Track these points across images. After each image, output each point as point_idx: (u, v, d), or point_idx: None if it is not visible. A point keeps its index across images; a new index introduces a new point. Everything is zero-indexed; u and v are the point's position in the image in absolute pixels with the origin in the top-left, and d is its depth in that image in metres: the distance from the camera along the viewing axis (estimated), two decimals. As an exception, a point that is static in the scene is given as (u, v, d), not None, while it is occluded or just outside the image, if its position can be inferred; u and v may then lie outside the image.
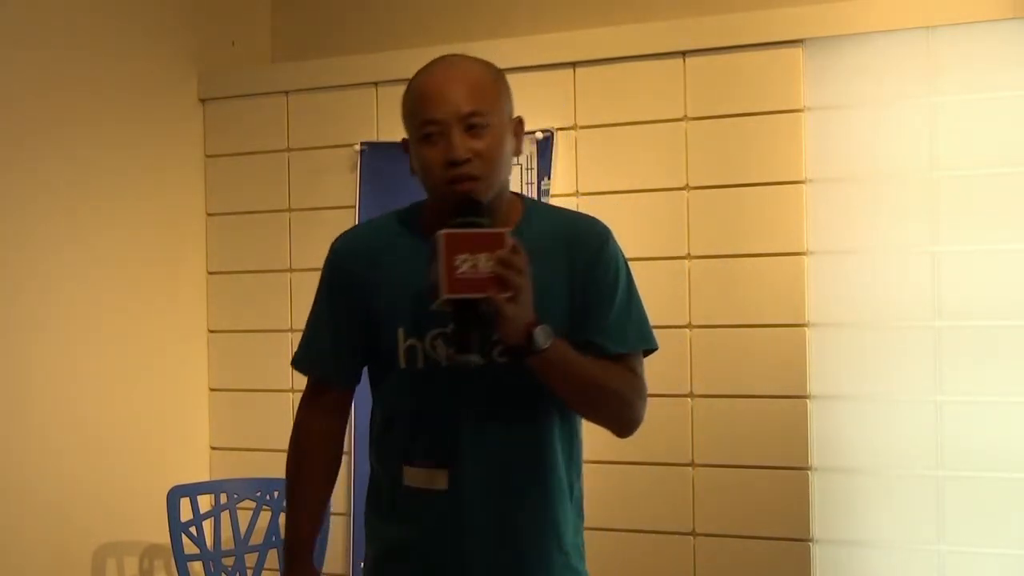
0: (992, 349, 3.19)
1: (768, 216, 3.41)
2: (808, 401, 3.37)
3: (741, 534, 3.41)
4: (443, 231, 1.94)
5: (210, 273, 4.18)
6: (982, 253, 3.22)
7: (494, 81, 2.11)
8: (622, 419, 2.14)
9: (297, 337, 4.18)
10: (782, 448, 3.37)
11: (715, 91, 3.47)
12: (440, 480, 2.09)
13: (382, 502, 2.20)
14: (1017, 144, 3.19)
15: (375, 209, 3.87)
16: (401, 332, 2.09)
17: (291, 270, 4.05)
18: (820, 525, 3.35)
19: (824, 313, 3.37)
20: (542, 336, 1.97)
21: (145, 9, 3.96)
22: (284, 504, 2.38)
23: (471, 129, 2.04)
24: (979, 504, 3.20)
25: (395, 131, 3.86)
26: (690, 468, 3.45)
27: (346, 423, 2.31)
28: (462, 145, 2.03)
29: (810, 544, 3.35)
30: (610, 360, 2.10)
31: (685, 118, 3.51)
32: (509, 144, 2.11)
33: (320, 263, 4.01)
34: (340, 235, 2.29)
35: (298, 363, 2.29)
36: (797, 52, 3.39)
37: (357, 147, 3.91)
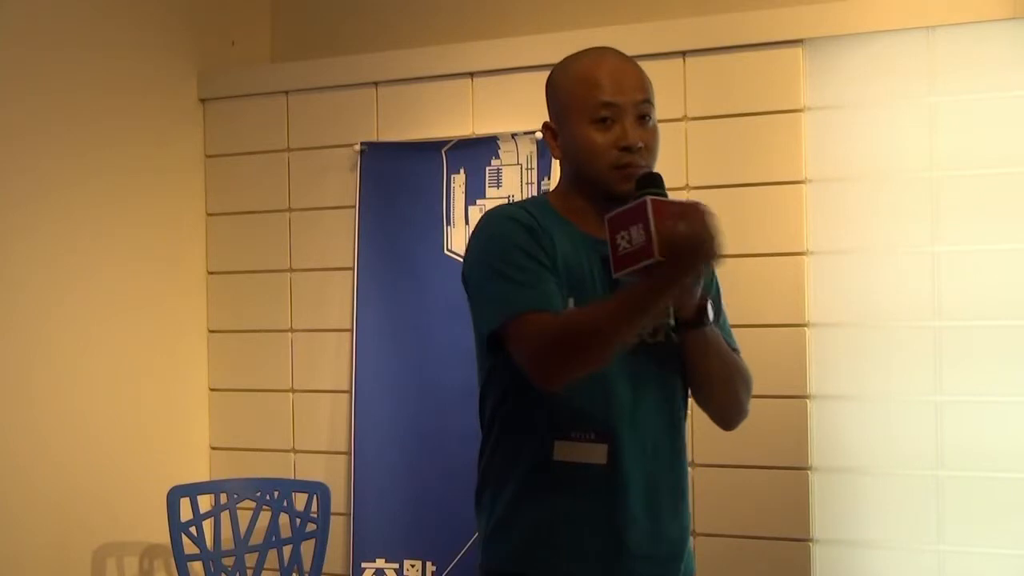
0: (992, 349, 3.19)
1: (768, 216, 3.41)
2: (808, 401, 3.37)
3: (741, 534, 3.41)
4: (649, 197, 1.95)
5: (210, 273, 4.18)
6: (982, 253, 3.22)
7: (649, 78, 2.15)
8: (743, 404, 2.21)
9: (297, 337, 4.14)
10: (782, 448, 3.37)
11: (715, 91, 3.47)
12: (599, 455, 2.07)
13: (519, 484, 2.10)
14: (1017, 144, 3.19)
15: (375, 209, 3.88)
16: (571, 302, 2.06)
17: (291, 270, 4.05)
18: (820, 525, 3.35)
19: (824, 313, 3.37)
20: (711, 310, 2.06)
21: (145, 9, 3.96)
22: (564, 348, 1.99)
23: (641, 119, 2.09)
24: (979, 504, 3.19)
25: (395, 131, 3.90)
26: (690, 468, 3.44)
27: None
28: (635, 132, 2.07)
29: (810, 544, 3.35)
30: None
31: (685, 118, 3.51)
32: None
33: (319, 263, 3.97)
34: (491, 210, 2.18)
35: (510, 309, 2.03)
36: (797, 52, 3.39)
37: (357, 147, 3.91)
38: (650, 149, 2.10)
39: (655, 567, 2.12)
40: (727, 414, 2.22)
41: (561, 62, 2.20)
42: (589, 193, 2.12)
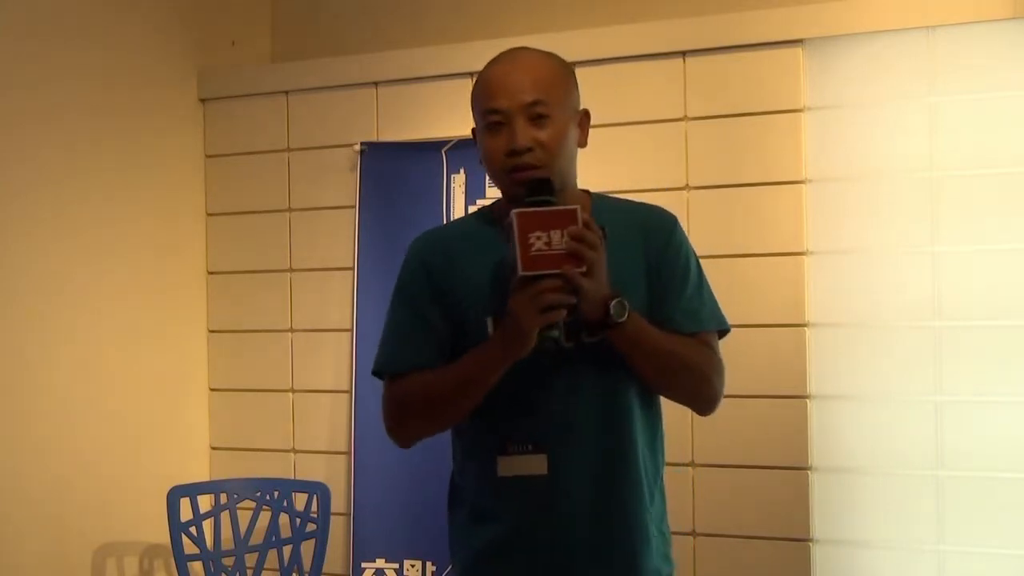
0: (992, 349, 3.19)
1: (768, 216, 3.41)
2: (808, 401, 3.37)
3: (741, 534, 3.41)
4: (515, 210, 1.97)
5: (210, 273, 4.18)
6: (982, 253, 3.22)
7: (560, 72, 2.15)
8: (702, 394, 2.17)
9: (297, 337, 4.15)
10: (782, 448, 3.37)
11: (715, 91, 3.47)
12: (539, 465, 2.08)
13: (472, 502, 2.17)
14: (1017, 144, 3.19)
15: (375, 209, 3.88)
16: (490, 321, 2.07)
17: (291, 270, 4.05)
18: (820, 525, 3.35)
19: (824, 313, 3.37)
20: (619, 308, 2.00)
21: (145, 8, 3.96)
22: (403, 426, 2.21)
23: (535, 119, 2.08)
24: (979, 504, 3.19)
25: (395, 131, 3.90)
26: (690, 468, 3.45)
27: None
28: (524, 134, 2.07)
29: (810, 544, 3.35)
30: (687, 337, 2.14)
31: (685, 118, 3.51)
32: (573, 135, 2.14)
33: (319, 263, 3.99)
34: (416, 237, 2.28)
35: (387, 364, 2.19)
36: (797, 52, 3.39)
37: (357, 147, 3.91)
38: (546, 147, 2.08)
39: (610, 570, 2.11)
40: (689, 404, 2.20)
41: None
42: (506, 195, 2.15)
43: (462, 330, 2.12)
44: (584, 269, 1.95)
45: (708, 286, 2.22)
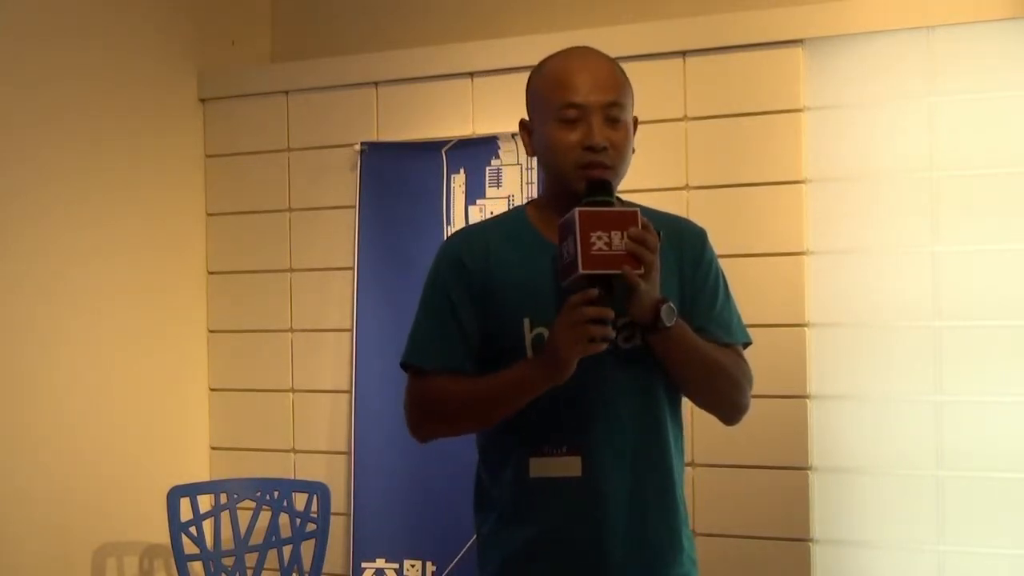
0: (992, 349, 3.19)
1: (768, 216, 3.41)
2: (808, 401, 3.37)
3: (741, 534, 3.41)
4: (579, 208, 1.97)
5: (210, 273, 4.18)
6: (982, 253, 3.22)
7: (626, 78, 2.17)
8: (733, 402, 2.19)
9: (297, 337, 4.15)
10: (782, 448, 3.37)
11: (715, 91, 3.47)
12: (574, 467, 2.07)
13: (504, 504, 2.14)
14: (1017, 144, 3.19)
15: (375, 209, 3.88)
16: (527, 322, 2.08)
17: (291, 270, 4.05)
18: (820, 525, 3.35)
19: (824, 313, 3.37)
20: (668, 313, 2.02)
21: (145, 8, 3.96)
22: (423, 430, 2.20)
23: (609, 120, 2.10)
24: (979, 504, 3.19)
25: (395, 131, 3.90)
26: (690, 468, 3.45)
27: None
28: (601, 132, 2.08)
29: (810, 544, 3.35)
30: (721, 347, 2.17)
31: (685, 118, 3.51)
32: (632, 141, 2.16)
33: (319, 263, 3.98)
34: (454, 233, 2.29)
35: (418, 358, 2.16)
36: (797, 52, 3.39)
37: (357, 147, 3.91)
38: (618, 149, 2.10)
39: (640, 571, 2.11)
40: (718, 413, 2.21)
41: (539, 62, 2.22)
42: (558, 193, 2.13)
43: (498, 330, 2.11)
44: (642, 271, 1.97)
45: (734, 299, 2.26)
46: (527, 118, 2.20)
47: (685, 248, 2.19)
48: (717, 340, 2.17)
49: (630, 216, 1.99)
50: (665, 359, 2.08)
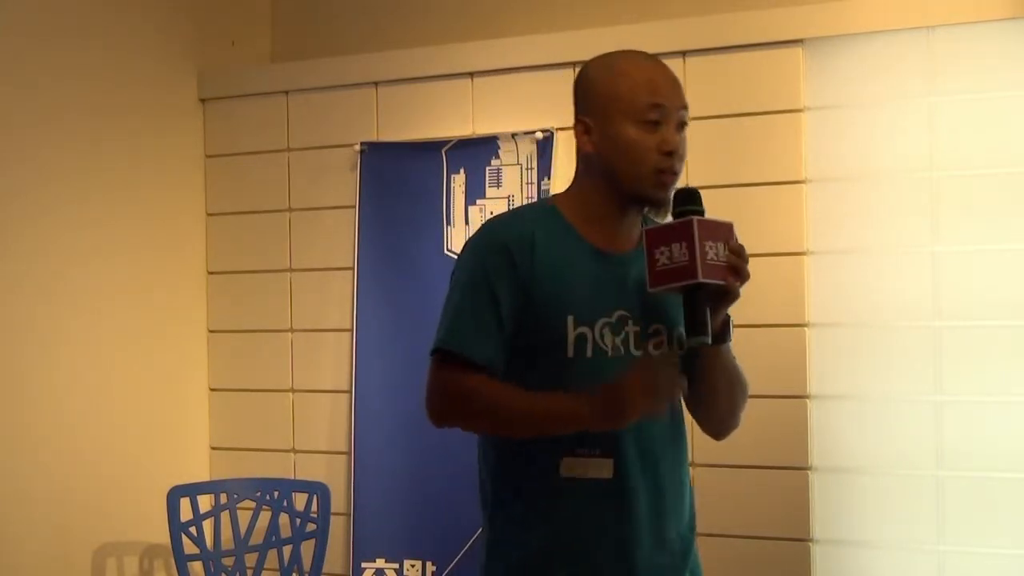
0: (992, 349, 3.19)
1: (768, 216, 3.41)
2: (808, 401, 3.37)
3: (741, 534, 3.41)
4: (696, 218, 1.99)
5: (210, 273, 4.18)
6: (982, 253, 3.22)
7: None
8: (739, 416, 2.23)
9: (297, 337, 4.14)
10: (782, 448, 3.36)
11: (715, 91, 3.47)
12: (606, 469, 2.07)
13: (522, 502, 2.12)
14: (1017, 144, 3.19)
15: (375, 209, 3.88)
16: (571, 320, 2.07)
17: (291, 270, 4.05)
18: (820, 525, 3.35)
19: (824, 313, 3.37)
20: (730, 325, 2.08)
21: (146, 8, 3.96)
22: (486, 420, 2.12)
23: (679, 126, 2.11)
24: (979, 504, 3.19)
25: (395, 131, 3.90)
26: (690, 468, 3.44)
27: None
28: (675, 138, 2.09)
29: (810, 544, 3.35)
30: None
31: (685, 118, 3.51)
32: None
33: (319, 263, 3.97)
34: (488, 221, 2.22)
35: (454, 344, 2.08)
36: (797, 52, 3.39)
37: (357, 147, 3.91)
38: (682, 158, 2.11)
39: (662, 571, 2.13)
40: (723, 426, 2.25)
41: (599, 59, 2.16)
42: (615, 195, 2.10)
43: (537, 325, 2.07)
44: (740, 283, 2.02)
45: None
46: (584, 117, 2.12)
47: None
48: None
49: (728, 228, 2.03)
50: (707, 369, 2.12)
